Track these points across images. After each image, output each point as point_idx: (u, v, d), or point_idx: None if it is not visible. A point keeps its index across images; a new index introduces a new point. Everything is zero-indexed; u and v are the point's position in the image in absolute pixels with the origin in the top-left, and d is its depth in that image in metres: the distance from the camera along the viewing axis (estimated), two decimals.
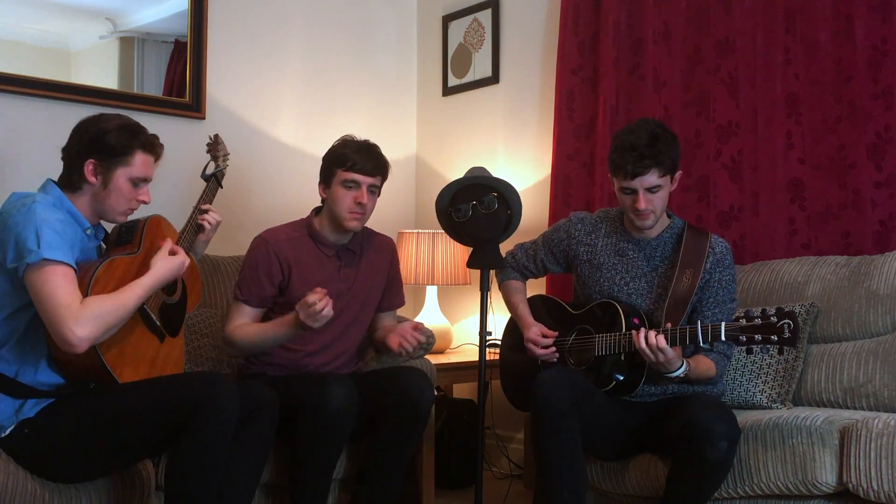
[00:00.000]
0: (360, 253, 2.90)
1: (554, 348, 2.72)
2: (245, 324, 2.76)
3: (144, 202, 2.37)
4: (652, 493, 2.52)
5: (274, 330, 2.68)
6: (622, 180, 2.55)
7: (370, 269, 2.91)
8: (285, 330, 2.65)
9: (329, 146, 2.87)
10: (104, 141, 2.28)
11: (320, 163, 2.85)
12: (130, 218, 2.44)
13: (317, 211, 2.90)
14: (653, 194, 2.55)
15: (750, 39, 3.16)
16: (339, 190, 2.75)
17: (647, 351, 2.40)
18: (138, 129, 2.35)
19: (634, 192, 2.54)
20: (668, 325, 2.44)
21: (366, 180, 2.75)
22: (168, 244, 2.35)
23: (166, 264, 2.31)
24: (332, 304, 2.76)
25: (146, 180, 2.36)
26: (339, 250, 2.84)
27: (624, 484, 2.60)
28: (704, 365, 2.53)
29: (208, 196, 2.67)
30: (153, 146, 2.36)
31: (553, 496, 2.41)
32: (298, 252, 2.80)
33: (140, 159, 2.32)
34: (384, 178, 2.83)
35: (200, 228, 2.57)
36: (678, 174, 2.63)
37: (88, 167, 2.27)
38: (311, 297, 2.51)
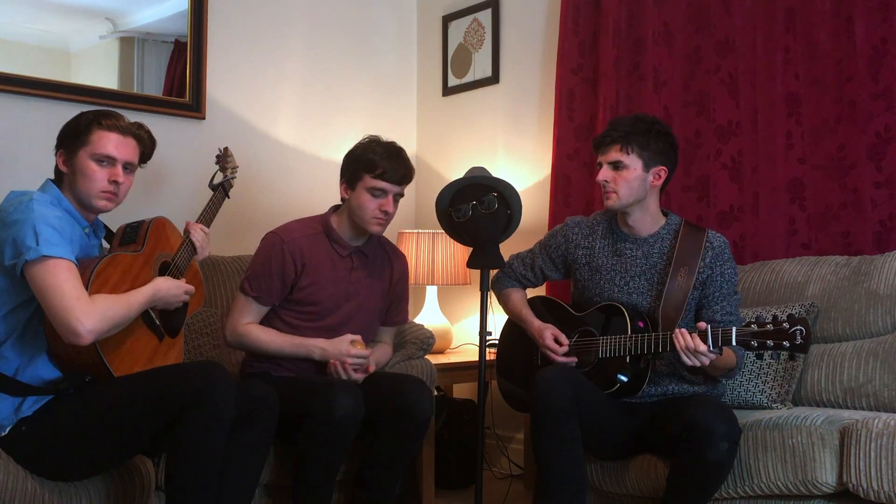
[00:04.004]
0: (372, 258, 2.88)
1: (574, 358, 2.69)
2: (258, 326, 2.76)
3: (118, 181, 2.31)
4: (652, 493, 2.52)
5: (292, 349, 2.73)
6: (595, 154, 2.68)
7: (381, 277, 2.90)
8: (300, 353, 2.72)
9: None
10: (68, 127, 2.33)
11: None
12: (132, 216, 2.45)
13: (335, 208, 2.88)
14: (615, 171, 2.60)
15: (750, 39, 3.16)
16: (364, 196, 2.73)
17: (685, 354, 2.38)
18: (104, 113, 2.34)
19: (601, 165, 2.63)
20: (702, 325, 2.41)
21: (393, 189, 2.73)
22: (189, 286, 2.39)
23: (169, 283, 2.33)
24: (341, 305, 2.77)
25: (113, 159, 2.31)
26: (353, 252, 2.83)
27: (624, 484, 2.60)
28: (726, 354, 2.49)
29: (214, 206, 2.67)
30: (116, 126, 2.33)
31: (553, 496, 2.41)
32: (312, 250, 2.78)
33: (98, 136, 2.30)
34: (409, 184, 2.82)
35: (195, 251, 2.52)
36: (660, 168, 2.62)
37: (59, 158, 2.32)
38: (359, 350, 2.65)
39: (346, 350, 2.69)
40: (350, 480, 2.75)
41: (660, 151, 2.60)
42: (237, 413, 2.25)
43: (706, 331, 2.36)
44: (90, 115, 2.33)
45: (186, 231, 2.52)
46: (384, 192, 2.72)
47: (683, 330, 2.40)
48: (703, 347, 2.35)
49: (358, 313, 2.83)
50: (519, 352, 2.89)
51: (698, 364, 2.38)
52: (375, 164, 2.71)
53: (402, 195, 2.80)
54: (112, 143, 2.31)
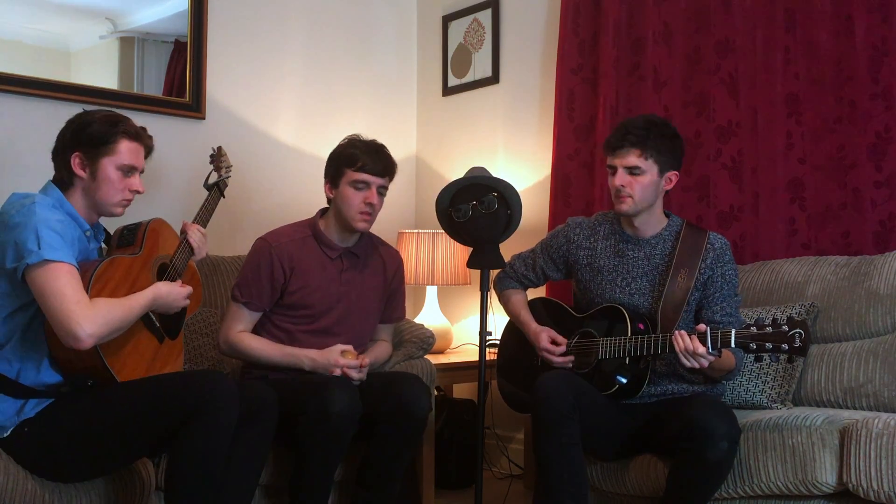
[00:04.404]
0: (364, 258, 2.88)
1: (571, 356, 2.70)
2: (250, 335, 2.77)
3: (138, 192, 2.36)
4: (652, 493, 2.52)
5: (283, 358, 2.73)
6: (607, 156, 2.62)
7: (374, 277, 2.90)
8: (291, 363, 2.73)
9: (329, 146, 2.87)
10: (87, 132, 2.29)
11: (321, 163, 2.86)
12: (130, 217, 2.45)
13: (323, 211, 2.89)
14: (632, 176, 2.57)
15: (750, 39, 3.16)
16: (348, 190, 2.75)
17: (684, 356, 2.38)
18: (121, 119, 2.34)
19: (615, 169, 2.59)
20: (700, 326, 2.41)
21: (375, 181, 2.75)
22: (188, 288, 2.39)
23: (169, 288, 2.33)
24: (332, 307, 2.78)
25: (135, 168, 2.34)
26: (342, 253, 2.83)
27: (624, 484, 2.60)
28: (725, 356, 2.49)
29: (210, 205, 2.67)
30: (137, 134, 2.35)
31: (553, 498, 2.41)
32: (301, 253, 2.79)
33: (125, 147, 2.31)
34: (392, 178, 2.84)
35: (192, 251, 2.51)
36: (672, 173, 2.63)
37: (75, 160, 2.28)
38: (350, 360, 2.66)
39: (335, 360, 2.69)
40: (349, 481, 2.75)
41: (673, 156, 2.61)
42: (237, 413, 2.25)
43: (705, 333, 2.36)
44: (109, 121, 2.31)
45: (183, 231, 2.52)
46: (367, 185, 2.74)
47: (683, 332, 2.40)
48: (701, 349, 2.35)
49: (351, 314, 2.84)
50: (520, 353, 2.89)
51: (697, 366, 2.38)
52: (356, 158, 2.75)
53: (385, 188, 2.81)
54: (135, 153, 2.34)
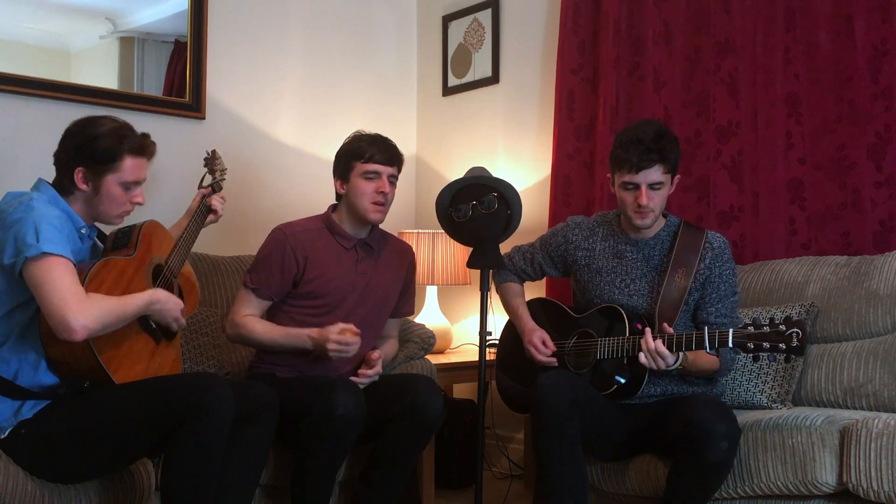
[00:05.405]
0: (377, 250, 2.89)
1: (554, 359, 2.71)
2: (256, 318, 2.77)
3: (139, 204, 2.36)
4: (652, 493, 2.52)
5: (285, 339, 2.72)
6: (626, 174, 2.55)
7: (388, 269, 2.91)
8: (294, 343, 2.71)
9: (329, 146, 2.88)
10: (92, 148, 2.27)
11: (321, 162, 2.87)
12: (128, 218, 2.45)
13: (333, 207, 2.90)
14: (654, 191, 2.56)
15: (750, 39, 3.16)
16: (359, 182, 2.77)
17: (646, 355, 2.40)
18: (126, 133, 2.32)
19: (637, 187, 2.55)
20: (665, 325, 2.44)
21: (386, 170, 2.78)
22: (181, 304, 2.38)
23: (168, 297, 2.33)
24: (348, 297, 2.78)
25: (138, 183, 2.34)
26: (357, 243, 2.85)
27: (624, 484, 2.60)
28: (705, 357, 2.51)
29: (204, 208, 2.69)
30: (142, 148, 2.33)
31: (553, 497, 2.41)
32: (316, 243, 2.80)
33: (129, 163, 2.30)
34: (400, 168, 2.86)
35: (209, 211, 2.70)
36: (677, 177, 2.63)
37: (78, 175, 2.27)
38: (345, 336, 2.62)
39: (328, 334, 2.63)
40: (352, 481, 2.74)
41: (678, 158, 2.61)
42: (238, 413, 2.24)
43: (672, 336, 2.40)
44: (116, 137, 2.29)
45: (202, 196, 2.71)
46: (377, 174, 2.77)
47: (647, 330, 2.43)
48: (663, 350, 2.38)
49: (365, 304, 2.84)
50: (519, 351, 2.89)
51: (656, 367, 2.41)
52: (363, 150, 2.78)
53: (395, 178, 2.83)
54: (139, 168, 2.33)
